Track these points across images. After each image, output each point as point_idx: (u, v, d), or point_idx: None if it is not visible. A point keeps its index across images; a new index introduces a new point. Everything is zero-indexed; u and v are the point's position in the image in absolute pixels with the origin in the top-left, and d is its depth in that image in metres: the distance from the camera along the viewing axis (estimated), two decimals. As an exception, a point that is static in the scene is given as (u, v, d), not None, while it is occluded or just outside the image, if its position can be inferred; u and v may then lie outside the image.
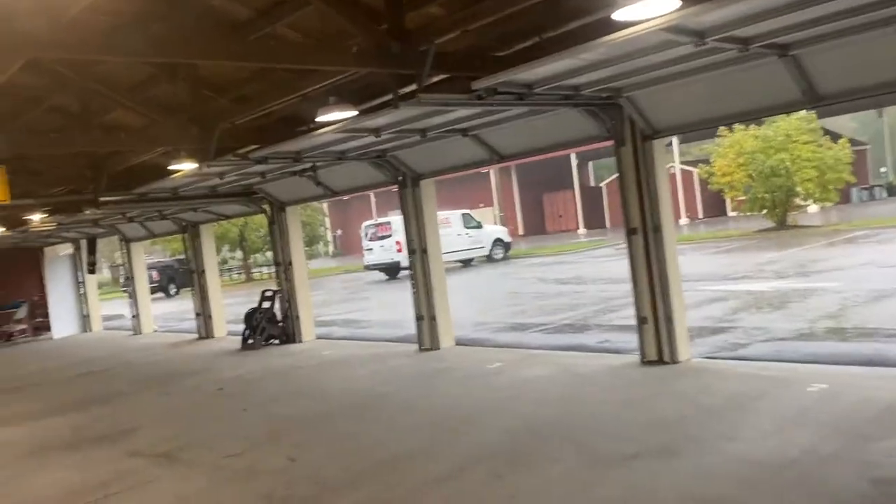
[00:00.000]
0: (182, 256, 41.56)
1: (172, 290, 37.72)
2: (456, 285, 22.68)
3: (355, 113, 7.40)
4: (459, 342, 11.18)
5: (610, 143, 8.96)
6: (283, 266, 13.79)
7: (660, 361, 8.13)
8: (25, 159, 13.31)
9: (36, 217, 13.73)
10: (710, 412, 6.26)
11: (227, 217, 15.91)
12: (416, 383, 8.97)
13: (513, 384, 8.20)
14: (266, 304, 14.09)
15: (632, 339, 9.69)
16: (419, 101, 6.40)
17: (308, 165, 10.20)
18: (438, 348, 10.86)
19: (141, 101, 9.46)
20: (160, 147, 9.69)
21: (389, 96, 7.67)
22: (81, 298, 21.60)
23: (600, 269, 21.59)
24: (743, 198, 27.80)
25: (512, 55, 6.79)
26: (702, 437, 5.69)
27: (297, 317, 13.74)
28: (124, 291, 37.97)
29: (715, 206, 41.29)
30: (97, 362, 14.66)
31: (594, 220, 46.74)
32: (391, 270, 30.44)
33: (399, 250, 30.43)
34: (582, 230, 46.38)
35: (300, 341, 13.68)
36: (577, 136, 8.68)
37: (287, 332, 13.88)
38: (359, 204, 58.46)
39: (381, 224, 31.53)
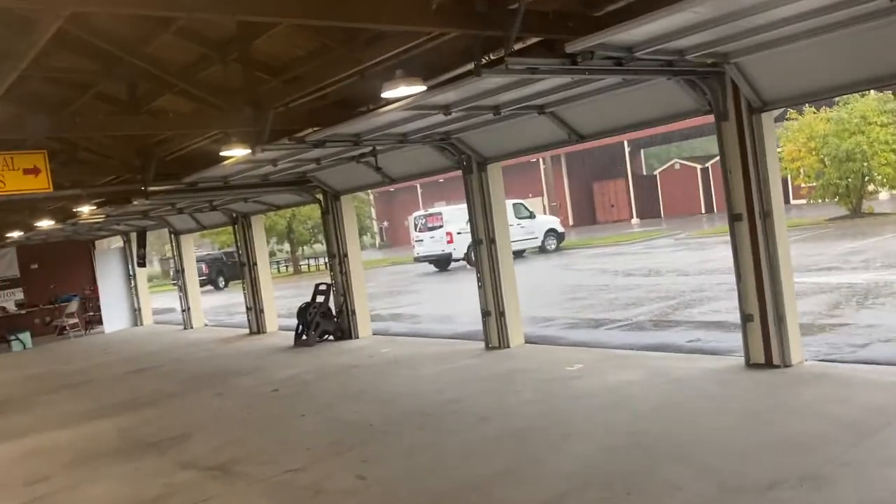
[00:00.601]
0: (230, 249, 41.66)
1: (221, 283, 37.65)
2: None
3: (423, 88, 6.60)
4: (529, 340, 10.34)
5: (701, 119, 8.09)
6: (338, 258, 13.11)
7: (768, 365, 7.17)
8: (76, 149, 12.90)
9: (85, 209, 13.31)
10: (853, 429, 5.30)
11: (279, 207, 15.32)
12: (490, 387, 8.14)
13: (600, 390, 7.32)
14: (320, 298, 13.44)
15: (727, 338, 8.77)
16: (506, 68, 5.55)
17: (367, 150, 9.46)
18: (508, 346, 10.04)
19: (191, 83, 8.84)
20: (211, 130, 9.06)
21: (462, 69, 6.89)
22: (132, 292, 21.35)
23: (665, 260, 20.50)
24: (813, 184, 26.27)
25: (605, 16, 5.93)
26: (853, 461, 4.76)
27: (353, 311, 13.06)
28: (174, 284, 38.17)
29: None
30: (148, 359, 14.22)
31: (648, 210, 45.36)
32: (441, 262, 29.75)
33: (450, 241, 29.71)
34: (635, 220, 45.07)
35: (356, 337, 13.00)
36: (670, 110, 7.72)
37: (342, 327, 13.22)
38: (405, 195, 57.96)
39: (431, 215, 30.80)
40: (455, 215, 30.61)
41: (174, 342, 16.39)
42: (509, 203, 32.24)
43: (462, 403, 7.54)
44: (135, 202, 11.92)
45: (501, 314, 10.10)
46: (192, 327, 18.48)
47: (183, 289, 18.69)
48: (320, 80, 7.81)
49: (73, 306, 20.55)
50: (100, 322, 21.01)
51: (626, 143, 45.66)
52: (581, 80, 6.92)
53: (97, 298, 21.10)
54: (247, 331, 16.15)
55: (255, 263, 15.72)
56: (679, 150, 52.75)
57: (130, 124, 8.17)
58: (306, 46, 8.44)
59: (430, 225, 30.30)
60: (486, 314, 10.31)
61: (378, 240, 61.14)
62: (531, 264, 26.38)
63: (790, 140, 25.91)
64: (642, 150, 51.50)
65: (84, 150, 13.02)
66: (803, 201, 29.66)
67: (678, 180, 45.37)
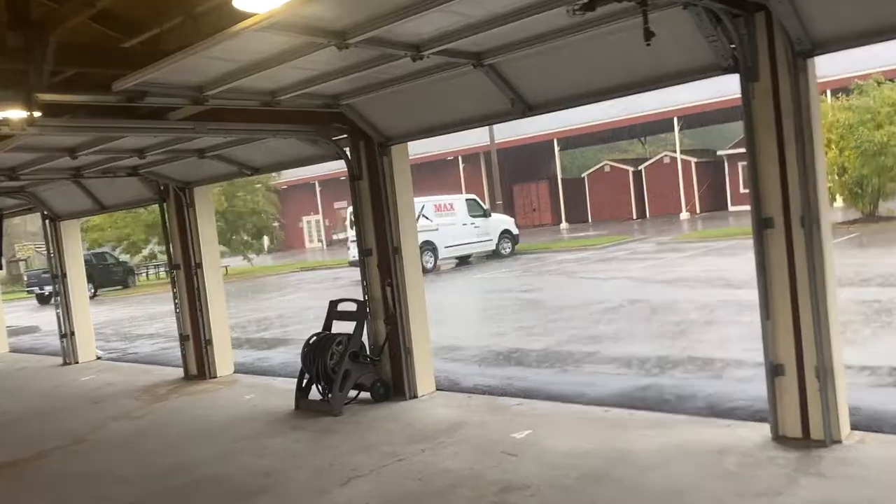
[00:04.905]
0: (101, 250, 33.54)
1: (90, 291, 29.83)
2: (492, 295, 15.62)
3: None
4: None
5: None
6: (383, 256, 7.46)
7: None
8: None
9: None
10: None
11: (256, 171, 8.83)
12: None
13: None
14: (339, 327, 7.71)
15: None
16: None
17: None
18: (837, 440, 4.88)
19: None
20: None
21: None
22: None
23: (704, 268, 16.15)
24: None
25: None
26: None
27: (409, 350, 7.43)
28: (28, 292, 29.92)
29: (712, 200, 37.35)
30: (13, 433, 7.86)
31: (575, 214, 42.11)
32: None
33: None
34: (564, 225, 41.57)
35: (413, 396, 7.40)
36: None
37: (384, 379, 7.55)
38: (298, 193, 51.32)
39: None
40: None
41: (57, 392, 9.93)
42: (462, 198, 27.55)
43: None
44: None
45: (828, 370, 4.93)
46: (77, 361, 11.92)
47: (64, 304, 12.01)
48: None
49: None
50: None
51: (555, 142, 42.24)
52: None
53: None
54: (180, 372, 10.01)
55: (198, 265, 9.61)
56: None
57: None
58: None
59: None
60: (774, 371, 5.09)
61: (267, 243, 53.02)
62: (490, 273, 21.44)
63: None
64: (557, 153, 48.07)
65: None
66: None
67: (608, 183, 42.28)
